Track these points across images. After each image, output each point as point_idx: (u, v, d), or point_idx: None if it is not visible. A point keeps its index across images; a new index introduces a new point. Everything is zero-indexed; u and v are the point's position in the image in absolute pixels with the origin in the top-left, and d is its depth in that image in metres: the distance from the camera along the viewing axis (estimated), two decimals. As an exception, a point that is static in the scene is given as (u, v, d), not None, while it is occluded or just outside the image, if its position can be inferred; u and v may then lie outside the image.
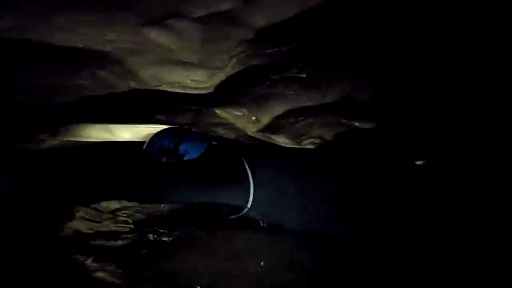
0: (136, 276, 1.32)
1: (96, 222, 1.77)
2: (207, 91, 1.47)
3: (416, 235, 1.75)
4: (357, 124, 2.09)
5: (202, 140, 1.94)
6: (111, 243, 1.57)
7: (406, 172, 2.32)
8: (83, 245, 1.53)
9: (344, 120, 2.10)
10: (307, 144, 2.40)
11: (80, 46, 1.36)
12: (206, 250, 1.55)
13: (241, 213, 1.78)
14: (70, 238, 1.59)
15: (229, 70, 1.40)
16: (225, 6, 1.14)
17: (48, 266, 1.33)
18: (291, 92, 1.77)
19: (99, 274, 1.29)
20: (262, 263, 1.44)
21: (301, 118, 2.10)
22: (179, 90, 1.48)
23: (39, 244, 1.49)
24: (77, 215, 1.75)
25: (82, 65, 1.48)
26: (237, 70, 1.42)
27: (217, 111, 2.10)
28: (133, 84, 1.53)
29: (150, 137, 1.94)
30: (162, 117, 2.50)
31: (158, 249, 1.57)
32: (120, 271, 1.33)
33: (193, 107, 2.21)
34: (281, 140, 2.37)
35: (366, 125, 2.07)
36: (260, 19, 1.20)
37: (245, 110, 2.03)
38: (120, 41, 1.34)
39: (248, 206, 1.73)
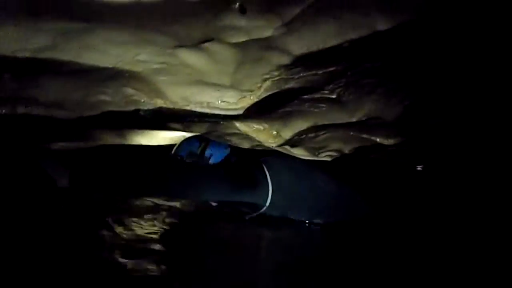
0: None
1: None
2: (236, 113, 1.44)
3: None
4: (378, 140, 2.06)
5: (225, 145, 2.19)
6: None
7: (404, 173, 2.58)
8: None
9: (365, 136, 2.07)
10: (324, 156, 2.38)
11: (110, 66, 1.33)
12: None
13: (260, 211, 2.04)
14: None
15: (261, 93, 1.37)
16: (267, 33, 1.11)
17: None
18: (316, 110, 1.74)
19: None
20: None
21: (322, 133, 2.07)
22: (207, 110, 1.45)
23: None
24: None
25: (108, 83, 1.45)
26: (269, 93, 1.38)
27: (237, 124, 2.07)
28: (159, 103, 1.49)
29: (178, 142, 2.28)
30: (177, 126, 2.47)
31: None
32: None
33: (211, 120, 2.18)
34: (299, 153, 2.35)
35: (388, 142, 2.05)
36: (300, 47, 1.17)
37: (265, 125, 2.00)
38: (151, 62, 1.31)
39: (267, 204, 1.99)
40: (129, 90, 1.47)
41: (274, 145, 2.06)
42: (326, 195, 2.15)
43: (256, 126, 2.05)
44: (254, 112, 1.48)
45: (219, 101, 1.40)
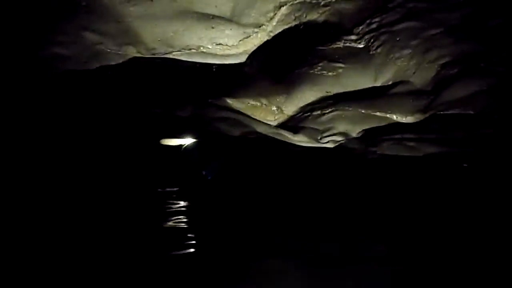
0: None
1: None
2: (236, 60, 1.05)
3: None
4: (395, 117, 1.72)
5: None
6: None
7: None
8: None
9: (378, 113, 1.72)
10: (327, 142, 2.02)
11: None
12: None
13: None
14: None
15: (273, 28, 0.99)
16: None
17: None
18: (330, 74, 1.38)
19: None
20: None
21: (330, 110, 1.71)
22: (197, 59, 1.06)
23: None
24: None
25: (63, 25, 1.04)
26: (283, 28, 1.01)
27: (229, 101, 1.69)
28: (132, 52, 1.09)
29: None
30: (158, 111, 2.08)
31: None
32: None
33: (196, 97, 1.79)
34: (300, 139, 1.98)
35: (406, 119, 1.70)
36: None
37: (264, 100, 1.63)
38: (118, -18, 0.92)
39: None
40: (92, 36, 1.06)
41: (274, 123, 1.68)
42: None
43: (252, 102, 1.67)
44: (259, 62, 1.10)
45: (214, 44, 1.02)
